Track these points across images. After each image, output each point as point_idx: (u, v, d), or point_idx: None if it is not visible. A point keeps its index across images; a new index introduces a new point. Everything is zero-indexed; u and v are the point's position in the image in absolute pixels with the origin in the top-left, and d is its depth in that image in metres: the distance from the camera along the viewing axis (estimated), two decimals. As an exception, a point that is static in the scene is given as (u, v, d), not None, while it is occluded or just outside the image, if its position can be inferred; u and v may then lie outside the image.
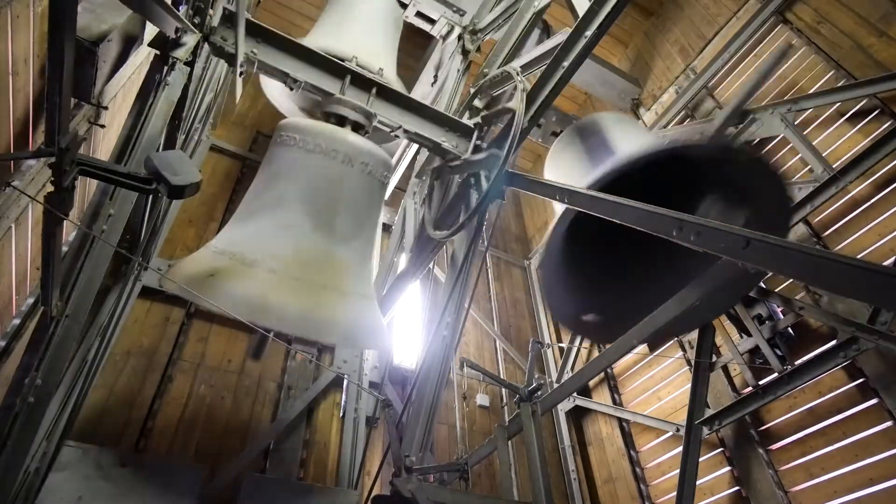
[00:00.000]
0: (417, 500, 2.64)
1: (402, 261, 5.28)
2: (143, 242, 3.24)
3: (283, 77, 3.24)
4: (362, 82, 3.46)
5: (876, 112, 4.54)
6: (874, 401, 3.80)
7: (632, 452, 5.70)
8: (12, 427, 1.99)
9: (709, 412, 4.41)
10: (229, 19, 3.05)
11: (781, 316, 4.48)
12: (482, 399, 6.47)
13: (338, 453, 5.05)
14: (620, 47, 8.36)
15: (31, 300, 3.76)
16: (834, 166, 4.47)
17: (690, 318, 3.94)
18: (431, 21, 5.40)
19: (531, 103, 3.06)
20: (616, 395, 6.22)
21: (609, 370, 6.26)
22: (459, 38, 5.17)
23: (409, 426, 3.06)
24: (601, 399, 6.34)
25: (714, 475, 4.75)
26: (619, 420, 5.98)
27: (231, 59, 3.04)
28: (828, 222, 4.58)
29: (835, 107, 4.87)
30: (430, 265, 4.57)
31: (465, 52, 5.08)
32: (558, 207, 3.80)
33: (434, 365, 3.18)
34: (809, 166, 4.75)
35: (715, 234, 1.67)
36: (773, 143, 5.32)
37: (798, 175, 4.95)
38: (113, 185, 2.23)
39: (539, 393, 3.75)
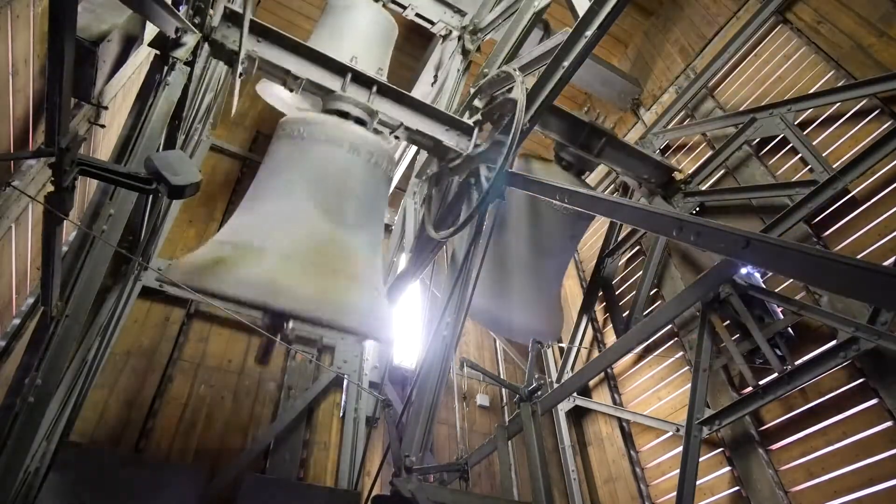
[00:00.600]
0: (417, 500, 2.64)
1: (402, 261, 5.29)
2: (143, 242, 3.24)
3: (284, 75, 3.24)
4: (363, 80, 3.46)
5: (876, 112, 4.53)
6: (874, 401, 3.79)
7: (632, 452, 5.69)
8: (12, 427, 1.99)
9: (709, 412, 4.40)
10: (231, 18, 3.05)
11: (781, 316, 4.48)
12: (482, 399, 6.47)
13: (338, 453, 5.05)
14: (620, 47, 8.36)
15: (31, 300, 3.76)
16: (834, 166, 4.46)
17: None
18: (431, 22, 5.40)
19: (531, 103, 3.06)
20: (616, 395, 6.22)
21: (609, 370, 6.25)
22: (459, 38, 5.18)
23: (409, 426, 3.06)
24: (601, 399, 6.34)
25: (714, 475, 4.75)
26: (619, 420, 5.97)
27: (231, 58, 3.05)
28: (828, 222, 4.57)
29: (835, 107, 4.87)
30: (430, 265, 4.56)
31: (465, 52, 5.08)
32: None
33: (434, 365, 3.18)
34: (809, 166, 4.75)
35: (715, 234, 1.67)
36: (773, 143, 5.32)
37: (798, 175, 4.95)
38: (113, 185, 2.23)
39: (539, 393, 3.75)
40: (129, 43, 3.63)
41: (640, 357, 6.04)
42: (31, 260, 3.55)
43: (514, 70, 3.30)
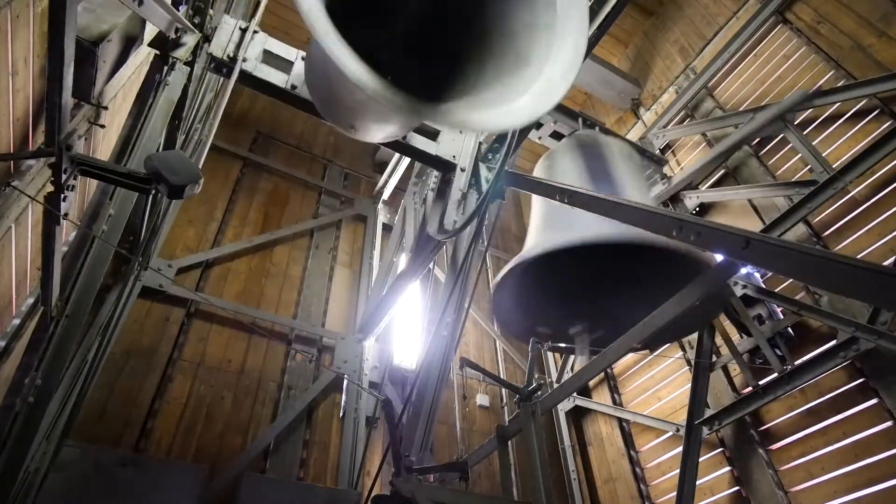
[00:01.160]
0: (417, 500, 2.64)
1: (403, 261, 5.29)
2: (143, 242, 3.25)
3: None
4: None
5: (876, 112, 4.53)
6: (874, 401, 3.79)
7: (632, 452, 5.69)
8: (12, 427, 1.99)
9: (709, 412, 4.40)
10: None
11: (781, 316, 4.48)
12: (482, 399, 6.46)
13: (338, 453, 5.05)
14: (620, 47, 8.36)
15: (31, 300, 3.76)
16: (834, 166, 4.46)
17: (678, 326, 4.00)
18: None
19: (531, 103, 3.06)
20: (616, 395, 6.22)
21: (609, 370, 6.25)
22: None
23: (409, 426, 3.06)
24: (601, 399, 6.34)
25: (714, 475, 4.75)
26: (619, 420, 5.97)
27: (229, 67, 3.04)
28: (828, 222, 4.57)
29: (835, 107, 4.87)
30: (430, 265, 4.56)
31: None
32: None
33: (434, 365, 3.18)
34: (809, 166, 4.75)
35: (715, 234, 1.67)
36: (773, 143, 5.32)
37: (798, 175, 4.95)
38: (113, 185, 2.23)
39: (539, 393, 3.74)
40: (129, 43, 3.62)
41: (640, 357, 6.04)
42: (31, 260, 3.55)
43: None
